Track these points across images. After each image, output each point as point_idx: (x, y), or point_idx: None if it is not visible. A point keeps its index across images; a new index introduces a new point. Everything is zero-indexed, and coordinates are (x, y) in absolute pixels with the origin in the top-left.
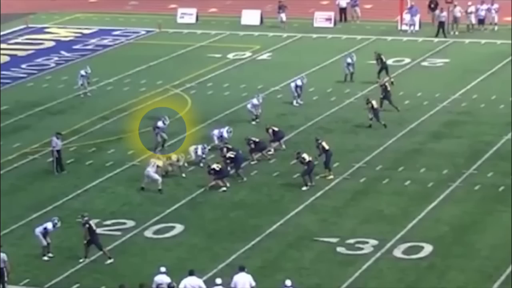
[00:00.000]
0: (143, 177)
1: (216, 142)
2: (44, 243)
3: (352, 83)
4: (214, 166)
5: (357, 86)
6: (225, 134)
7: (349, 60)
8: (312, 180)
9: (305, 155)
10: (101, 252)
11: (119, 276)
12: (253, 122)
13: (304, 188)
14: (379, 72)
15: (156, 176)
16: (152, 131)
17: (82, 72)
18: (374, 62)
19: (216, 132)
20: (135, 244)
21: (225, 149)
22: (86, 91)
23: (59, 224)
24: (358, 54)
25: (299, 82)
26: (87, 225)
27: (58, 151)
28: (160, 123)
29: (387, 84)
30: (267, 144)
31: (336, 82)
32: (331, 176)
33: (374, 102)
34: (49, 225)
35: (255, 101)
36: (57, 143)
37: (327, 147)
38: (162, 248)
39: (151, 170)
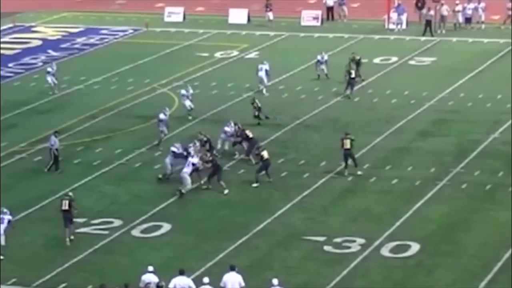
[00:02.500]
0: (180, 179)
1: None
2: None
3: (340, 82)
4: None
5: (345, 85)
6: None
7: (319, 58)
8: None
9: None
10: (89, 251)
11: (106, 275)
12: (190, 117)
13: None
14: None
15: (189, 181)
16: (156, 125)
17: (49, 69)
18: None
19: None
20: (123, 243)
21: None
22: (53, 86)
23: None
24: (345, 53)
25: (267, 67)
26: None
27: (56, 149)
28: (162, 116)
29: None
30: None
31: (323, 81)
32: (256, 184)
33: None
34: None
35: (183, 91)
36: (56, 141)
37: (266, 157)
38: (149, 247)
39: (187, 172)
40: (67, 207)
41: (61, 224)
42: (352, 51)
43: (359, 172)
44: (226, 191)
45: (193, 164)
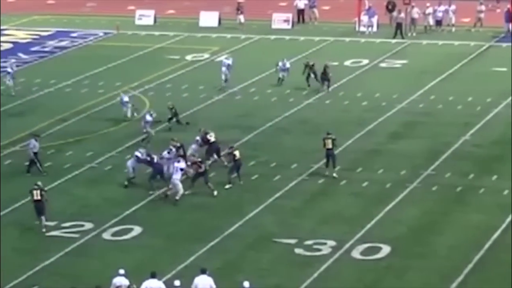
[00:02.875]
0: (170, 183)
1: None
2: None
3: (315, 84)
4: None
5: (316, 87)
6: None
7: (280, 64)
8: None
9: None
10: (60, 254)
11: (77, 278)
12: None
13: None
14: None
15: (180, 186)
16: (141, 126)
17: (8, 69)
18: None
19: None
20: (94, 246)
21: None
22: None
23: None
24: (316, 55)
25: (229, 62)
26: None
27: (35, 153)
28: (148, 117)
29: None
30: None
31: (294, 84)
32: (228, 186)
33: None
34: None
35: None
36: (35, 145)
37: (238, 156)
38: (120, 250)
39: (177, 178)
40: (39, 197)
41: (34, 217)
42: (308, 58)
43: (334, 174)
44: (215, 193)
45: (181, 169)
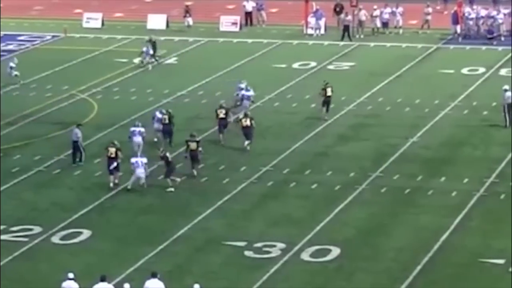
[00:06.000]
0: (134, 178)
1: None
2: None
3: (259, 87)
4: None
5: (264, 90)
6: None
7: (242, 86)
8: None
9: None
10: (9, 258)
11: (26, 282)
12: None
13: (170, 190)
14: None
15: (143, 175)
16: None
17: None
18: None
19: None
20: (42, 250)
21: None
22: None
23: None
24: (264, 58)
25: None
26: None
27: (75, 141)
28: (158, 114)
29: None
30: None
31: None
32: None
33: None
34: None
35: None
36: (77, 133)
37: (192, 148)
38: (69, 253)
39: (141, 172)
40: (114, 155)
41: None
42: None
43: (247, 144)
44: (171, 189)
45: (146, 163)
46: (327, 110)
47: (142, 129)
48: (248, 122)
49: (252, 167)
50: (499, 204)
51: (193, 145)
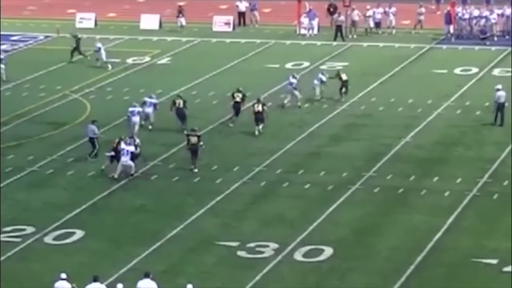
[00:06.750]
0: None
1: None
2: None
3: (253, 87)
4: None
5: (258, 90)
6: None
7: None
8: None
9: (192, 139)
10: (2, 258)
11: (19, 282)
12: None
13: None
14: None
15: (131, 163)
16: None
17: None
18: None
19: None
20: (35, 250)
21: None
22: None
23: None
24: (257, 58)
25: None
26: None
27: (92, 138)
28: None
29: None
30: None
31: (235, 86)
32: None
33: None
34: None
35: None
36: (93, 129)
37: (192, 142)
38: (62, 254)
39: (127, 159)
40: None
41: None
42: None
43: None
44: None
45: (131, 152)
46: (345, 93)
47: (140, 109)
48: (260, 108)
49: (245, 167)
50: (492, 204)
51: (193, 139)
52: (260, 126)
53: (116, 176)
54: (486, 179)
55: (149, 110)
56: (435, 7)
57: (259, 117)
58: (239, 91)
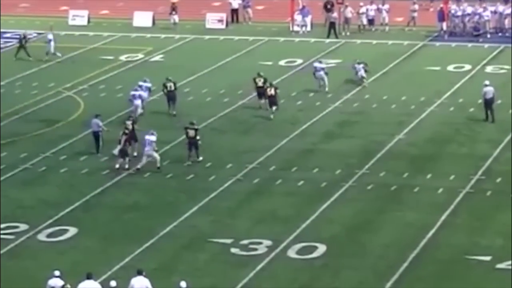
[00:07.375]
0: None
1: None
2: None
3: (246, 84)
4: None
5: (251, 87)
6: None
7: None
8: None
9: (190, 132)
10: None
11: (12, 279)
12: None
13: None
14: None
15: (156, 154)
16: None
17: None
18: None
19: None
20: (28, 248)
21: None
22: None
23: None
24: (250, 55)
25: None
26: None
27: (95, 132)
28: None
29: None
30: None
31: (229, 83)
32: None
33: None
34: None
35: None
36: (97, 123)
37: (190, 135)
38: (56, 251)
39: (150, 149)
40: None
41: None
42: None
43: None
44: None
45: (154, 142)
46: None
47: (143, 93)
48: (272, 91)
49: (238, 164)
50: (485, 201)
51: (191, 132)
52: (274, 108)
53: (139, 166)
54: (479, 176)
55: (145, 94)
56: (426, 4)
57: (272, 100)
58: (259, 75)
